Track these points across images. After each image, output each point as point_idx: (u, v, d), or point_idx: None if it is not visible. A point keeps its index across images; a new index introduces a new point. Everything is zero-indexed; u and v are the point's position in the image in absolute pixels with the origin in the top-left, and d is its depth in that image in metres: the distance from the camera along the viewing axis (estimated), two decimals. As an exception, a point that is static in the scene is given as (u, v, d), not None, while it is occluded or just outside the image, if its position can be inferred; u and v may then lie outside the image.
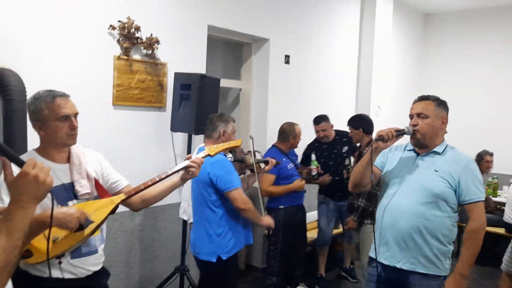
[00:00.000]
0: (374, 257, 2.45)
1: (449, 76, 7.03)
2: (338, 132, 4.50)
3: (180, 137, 3.82)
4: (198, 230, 2.92)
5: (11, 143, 2.48)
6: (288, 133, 4.09)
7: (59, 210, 1.76)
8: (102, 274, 2.09)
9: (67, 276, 1.91)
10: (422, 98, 2.44)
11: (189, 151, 3.66)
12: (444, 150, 2.40)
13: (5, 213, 1.29)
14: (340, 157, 4.39)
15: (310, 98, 5.20)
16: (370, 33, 5.87)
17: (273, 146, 4.17)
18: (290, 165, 4.04)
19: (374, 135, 2.67)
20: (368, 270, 2.58)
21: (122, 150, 3.41)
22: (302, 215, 4.17)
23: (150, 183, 2.02)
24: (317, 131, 4.43)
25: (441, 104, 2.41)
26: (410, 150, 2.49)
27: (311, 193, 4.66)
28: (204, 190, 2.84)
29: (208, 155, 2.21)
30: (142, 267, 3.74)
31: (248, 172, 3.32)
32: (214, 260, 2.82)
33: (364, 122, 4.09)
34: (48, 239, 1.48)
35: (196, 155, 2.16)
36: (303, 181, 4.06)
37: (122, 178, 2.20)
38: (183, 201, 3.17)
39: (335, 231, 4.81)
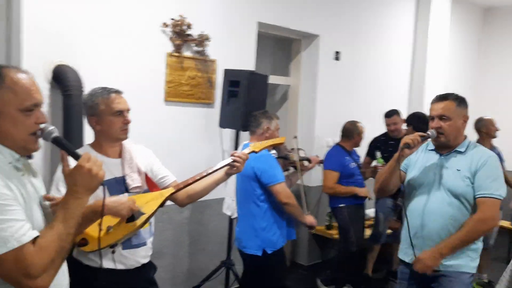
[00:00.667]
0: (401, 258, 2.46)
1: (509, 75, 6.65)
2: (407, 131, 4.40)
3: (228, 133, 3.86)
4: (243, 225, 2.96)
5: (70, 136, 2.62)
6: (352, 131, 4.10)
7: (111, 198, 1.84)
8: (149, 267, 2.16)
9: (119, 266, 1.98)
10: (442, 98, 2.38)
11: (236, 147, 3.70)
12: (466, 148, 2.36)
13: (61, 202, 1.37)
14: None
15: (360, 96, 5.10)
16: (425, 28, 5.65)
17: (337, 144, 4.18)
18: (353, 164, 4.04)
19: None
20: (399, 268, 2.55)
21: (172, 145, 3.49)
22: (362, 213, 4.18)
23: (198, 178, 2.08)
24: (388, 125, 4.37)
25: (461, 102, 2.37)
26: (431, 150, 2.45)
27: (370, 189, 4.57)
28: (248, 185, 2.88)
29: (253, 151, 2.26)
30: (189, 260, 3.83)
31: (291, 169, 3.33)
32: (259, 254, 2.86)
33: (416, 119, 3.99)
34: (100, 228, 1.56)
35: (242, 151, 2.20)
36: (369, 190, 4.00)
37: (169, 173, 2.26)
38: (227, 196, 3.21)
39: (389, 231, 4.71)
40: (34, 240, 1.27)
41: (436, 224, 2.32)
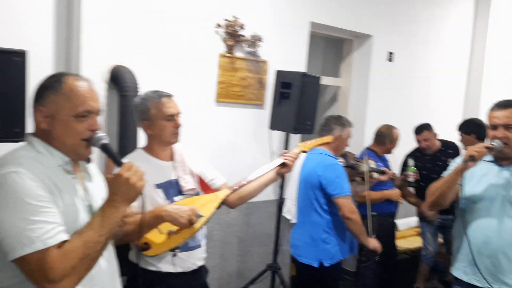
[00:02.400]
0: (458, 276, 2.29)
1: None
2: (443, 142, 4.12)
3: (277, 135, 3.81)
4: (302, 232, 2.89)
5: (125, 137, 2.66)
6: (385, 136, 3.86)
7: (173, 205, 1.84)
8: (203, 270, 2.16)
9: (178, 270, 1.98)
10: (505, 105, 2.20)
11: (286, 149, 3.64)
12: None
13: (100, 209, 1.37)
14: (445, 170, 4.08)
15: (413, 99, 4.92)
16: (484, 30, 5.39)
17: (368, 148, 3.95)
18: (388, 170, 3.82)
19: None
20: (455, 287, 2.37)
21: (222, 145, 3.49)
22: (392, 222, 3.95)
23: (252, 179, 2.09)
24: (418, 141, 4.09)
25: None
26: (489, 161, 2.26)
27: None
28: (312, 193, 2.81)
29: (303, 151, 2.22)
30: (235, 261, 3.82)
31: (358, 179, 3.20)
32: (315, 265, 2.78)
33: (477, 127, 3.77)
34: (140, 233, 1.63)
35: (292, 151, 2.18)
36: (399, 191, 3.82)
37: (219, 175, 2.25)
38: (288, 200, 3.15)
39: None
40: (61, 244, 1.26)
41: (502, 241, 2.16)
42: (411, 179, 3.91)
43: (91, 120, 1.40)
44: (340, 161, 2.76)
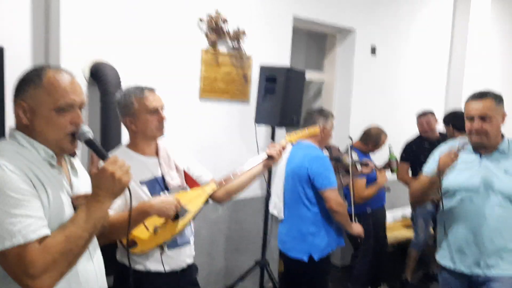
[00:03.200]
0: (445, 264, 2.33)
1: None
2: (443, 135, 4.16)
3: (262, 130, 3.79)
4: (290, 227, 2.86)
5: (108, 134, 2.59)
6: (370, 138, 3.80)
7: (157, 198, 1.80)
8: (193, 268, 2.12)
9: (167, 268, 1.94)
10: (480, 96, 2.23)
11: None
12: (508, 147, 2.25)
13: (84, 204, 1.34)
14: None
15: (396, 92, 4.95)
16: (464, 23, 5.44)
17: (353, 146, 3.81)
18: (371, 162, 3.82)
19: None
20: (441, 275, 2.42)
21: (207, 141, 3.45)
22: (384, 216, 3.99)
23: (238, 173, 2.07)
24: (421, 124, 4.13)
25: (500, 100, 2.24)
26: (469, 151, 2.30)
27: (395, 190, 4.41)
28: (299, 186, 2.78)
29: (290, 142, 2.22)
30: (223, 259, 3.78)
31: (342, 172, 3.20)
32: (305, 259, 2.76)
33: (456, 118, 3.81)
34: (127, 231, 1.57)
35: (278, 142, 2.17)
36: (384, 171, 3.77)
37: (206, 171, 2.21)
38: (274, 195, 3.13)
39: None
40: (42, 239, 1.23)
41: (488, 229, 2.19)
42: (393, 166, 3.87)
43: (74, 114, 1.37)
44: (326, 153, 2.75)
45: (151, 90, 2.00)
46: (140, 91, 1.97)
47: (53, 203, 1.32)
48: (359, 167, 3.18)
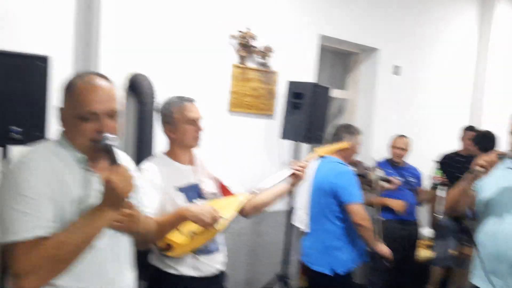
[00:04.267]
0: (478, 285, 2.27)
1: None
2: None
3: (286, 145, 3.85)
4: (314, 240, 2.90)
5: (142, 143, 2.69)
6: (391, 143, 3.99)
7: (196, 205, 1.86)
8: (224, 275, 2.16)
9: (199, 273, 1.99)
10: None
11: (296, 158, 3.68)
12: None
13: (86, 212, 1.36)
14: None
15: (419, 112, 4.98)
16: (487, 44, 5.48)
17: (387, 158, 4.08)
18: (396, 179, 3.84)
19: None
20: None
21: (234, 154, 3.52)
22: (407, 230, 3.95)
23: (262, 187, 2.13)
24: (465, 139, 4.23)
25: None
26: (509, 168, 2.26)
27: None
28: (325, 200, 2.83)
29: (320, 155, 2.28)
30: (244, 270, 3.82)
31: (367, 187, 3.25)
32: (327, 272, 2.79)
33: (482, 139, 3.85)
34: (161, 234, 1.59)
35: (306, 157, 2.23)
36: (404, 204, 3.85)
37: (236, 182, 2.27)
38: (299, 209, 3.18)
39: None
40: (38, 240, 1.25)
41: None
42: (437, 181, 3.95)
43: (98, 122, 1.38)
44: (352, 168, 2.80)
45: (191, 101, 2.09)
46: (180, 101, 2.07)
47: (79, 205, 1.35)
48: (385, 184, 3.21)
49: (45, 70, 2.27)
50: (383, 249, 2.93)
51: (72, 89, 1.41)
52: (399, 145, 4.01)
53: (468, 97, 5.60)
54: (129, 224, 1.47)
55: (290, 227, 3.62)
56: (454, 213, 2.49)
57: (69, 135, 1.41)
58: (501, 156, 2.19)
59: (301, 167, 2.12)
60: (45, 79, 2.32)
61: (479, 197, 2.31)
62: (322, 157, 2.29)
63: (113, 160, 1.38)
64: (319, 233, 2.88)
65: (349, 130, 2.98)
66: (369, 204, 3.76)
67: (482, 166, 2.15)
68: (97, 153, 1.41)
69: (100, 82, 1.42)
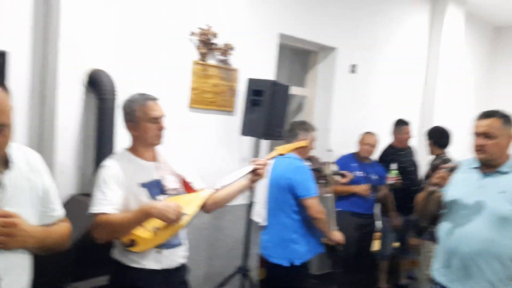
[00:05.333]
0: (434, 277, 2.40)
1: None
2: (410, 147, 4.53)
3: (247, 141, 3.93)
4: (272, 234, 3.00)
5: (102, 140, 2.69)
6: (359, 139, 4.16)
7: (159, 203, 1.91)
8: (185, 268, 2.22)
9: (161, 266, 2.04)
10: (488, 115, 2.28)
11: (256, 155, 3.77)
12: (510, 169, 2.26)
13: None
14: (415, 167, 4.38)
15: (375, 108, 5.19)
16: (438, 43, 5.78)
17: (353, 152, 4.23)
18: (358, 173, 4.02)
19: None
20: None
21: (194, 150, 3.56)
22: (363, 223, 4.11)
23: (223, 184, 2.17)
24: (401, 134, 4.45)
25: (508, 121, 2.27)
26: (472, 168, 2.36)
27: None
28: (282, 195, 2.93)
29: (280, 154, 2.32)
30: (205, 264, 3.88)
31: (322, 182, 3.37)
32: (286, 264, 2.89)
33: (438, 135, 4.08)
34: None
35: (267, 156, 2.28)
36: (367, 187, 4.00)
37: (198, 178, 2.31)
38: (257, 204, 3.27)
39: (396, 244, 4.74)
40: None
41: (470, 248, 2.20)
42: (391, 181, 4.12)
43: None
44: (307, 164, 2.92)
45: (154, 99, 2.12)
46: (143, 99, 2.09)
47: None
48: (338, 177, 3.36)
49: (3, 66, 2.24)
50: (337, 235, 3.09)
51: None
52: (368, 142, 4.13)
53: (419, 94, 5.88)
54: (5, 243, 1.31)
55: (249, 221, 3.71)
56: (426, 217, 2.60)
57: None
58: (452, 169, 2.28)
59: (261, 164, 2.17)
60: (3, 75, 2.30)
61: (445, 196, 2.40)
62: (282, 155, 2.37)
63: None
64: (276, 226, 2.98)
65: (303, 127, 3.08)
66: (334, 193, 3.93)
67: (436, 184, 2.27)
68: None
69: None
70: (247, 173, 2.18)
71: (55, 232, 1.54)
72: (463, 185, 2.33)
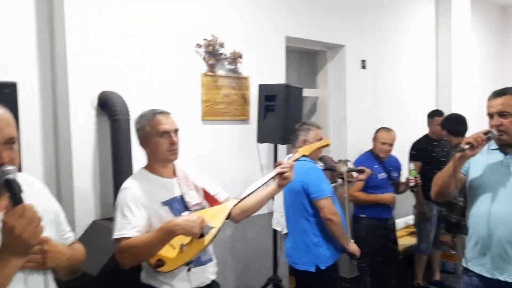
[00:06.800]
0: (468, 267, 2.27)
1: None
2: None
3: (264, 148, 3.86)
4: (295, 240, 2.91)
5: (119, 161, 2.64)
6: (374, 136, 3.94)
7: (182, 217, 1.84)
8: (217, 285, 2.15)
9: (192, 286, 1.96)
10: (499, 94, 2.18)
11: (275, 161, 3.69)
12: None
13: None
14: (447, 159, 4.26)
15: (388, 102, 5.08)
16: (447, 30, 5.65)
17: (369, 150, 3.98)
18: (381, 175, 3.81)
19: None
20: (464, 280, 2.33)
21: (211, 162, 3.49)
22: (387, 228, 3.93)
23: (248, 192, 2.08)
24: (433, 125, 4.31)
25: None
26: (494, 149, 2.25)
27: (405, 196, 4.44)
28: (297, 200, 2.85)
29: (303, 155, 2.25)
30: (235, 278, 3.80)
31: (339, 181, 3.27)
32: (312, 269, 2.80)
33: (451, 123, 3.94)
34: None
35: (289, 159, 2.20)
36: (394, 195, 3.86)
37: (222, 190, 2.25)
38: (276, 212, 3.18)
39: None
40: None
41: (506, 232, 2.09)
42: (412, 183, 3.93)
43: None
44: (319, 165, 2.83)
45: (164, 113, 2.05)
46: (152, 114, 2.03)
47: None
48: (355, 174, 3.23)
49: (14, 97, 2.22)
50: (353, 247, 2.92)
51: None
52: (385, 141, 3.87)
53: (433, 83, 5.75)
54: (44, 261, 1.30)
55: (275, 230, 3.63)
56: (444, 197, 2.38)
57: None
58: (487, 134, 2.12)
59: (287, 167, 2.09)
60: (15, 106, 2.27)
61: (467, 181, 2.28)
62: (306, 156, 2.30)
63: (15, 199, 1.19)
64: (296, 232, 2.90)
65: (303, 127, 3.00)
66: (356, 201, 3.80)
67: (468, 143, 2.09)
68: None
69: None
70: (271, 178, 2.11)
71: (77, 250, 1.54)
72: (487, 168, 2.22)
